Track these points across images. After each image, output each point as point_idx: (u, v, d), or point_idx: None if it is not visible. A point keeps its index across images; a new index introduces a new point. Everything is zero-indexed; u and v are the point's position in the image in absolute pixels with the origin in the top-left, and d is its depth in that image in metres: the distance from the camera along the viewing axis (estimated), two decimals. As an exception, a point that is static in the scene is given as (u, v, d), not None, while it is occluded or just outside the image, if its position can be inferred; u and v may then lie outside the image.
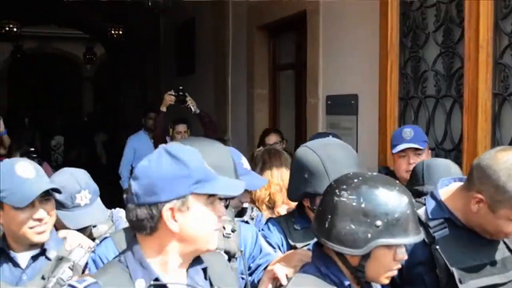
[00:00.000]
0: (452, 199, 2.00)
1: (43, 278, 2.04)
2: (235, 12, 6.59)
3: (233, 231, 2.11)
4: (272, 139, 4.65)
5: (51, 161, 11.29)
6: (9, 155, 5.11)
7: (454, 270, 1.88)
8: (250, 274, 2.14)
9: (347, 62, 4.46)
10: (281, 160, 3.27)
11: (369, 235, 1.63)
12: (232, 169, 2.04)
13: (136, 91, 11.55)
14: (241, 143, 6.04)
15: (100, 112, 17.34)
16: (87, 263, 2.06)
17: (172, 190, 1.47)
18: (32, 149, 5.28)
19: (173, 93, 4.86)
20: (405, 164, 3.15)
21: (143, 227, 1.50)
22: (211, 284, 1.63)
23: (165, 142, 4.43)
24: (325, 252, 1.75)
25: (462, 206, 1.95)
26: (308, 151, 2.22)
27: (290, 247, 2.23)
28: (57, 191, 2.12)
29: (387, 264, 1.69)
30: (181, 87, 4.92)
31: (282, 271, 1.89)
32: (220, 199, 1.70)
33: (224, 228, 2.08)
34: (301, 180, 2.21)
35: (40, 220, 2.05)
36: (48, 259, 2.10)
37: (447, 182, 2.09)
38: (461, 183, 2.01)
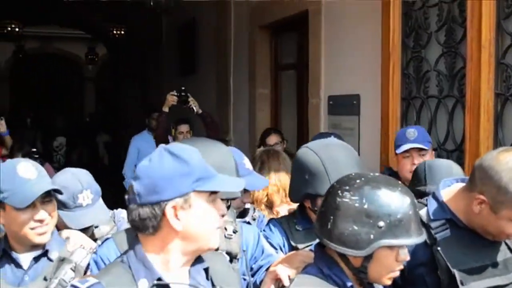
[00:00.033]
0: (454, 200, 1.99)
1: (45, 279, 2.04)
2: (237, 12, 6.59)
3: (234, 232, 2.10)
4: (273, 139, 4.65)
5: (53, 162, 11.29)
6: (11, 155, 5.11)
7: (455, 272, 1.88)
8: (252, 275, 2.13)
9: (349, 62, 4.45)
10: (279, 160, 3.28)
11: (372, 236, 1.63)
12: (234, 169, 2.05)
13: (137, 91, 11.57)
14: (243, 143, 6.04)
15: (102, 112, 17.37)
16: (88, 264, 2.06)
17: (174, 188, 1.47)
18: (34, 149, 5.28)
19: (175, 94, 4.87)
20: (409, 164, 3.14)
21: (145, 227, 1.50)
22: (213, 285, 1.63)
23: (167, 142, 4.43)
24: (327, 253, 1.75)
25: (464, 207, 1.95)
26: (309, 152, 2.22)
27: (292, 248, 2.23)
28: (59, 192, 2.12)
29: (389, 265, 1.69)
30: (183, 88, 4.92)
31: (284, 272, 1.89)
32: (222, 199, 1.70)
33: (225, 229, 2.08)
34: (302, 181, 2.21)
35: (41, 221, 2.05)
36: (50, 260, 2.10)
37: (449, 182, 2.08)
38: (463, 184, 2.01)
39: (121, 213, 2.72)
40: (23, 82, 18.54)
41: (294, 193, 2.33)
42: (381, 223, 1.63)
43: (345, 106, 4.48)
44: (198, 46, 7.99)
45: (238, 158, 2.22)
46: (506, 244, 1.99)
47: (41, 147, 11.23)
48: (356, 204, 1.65)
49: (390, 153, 3.78)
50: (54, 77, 19.18)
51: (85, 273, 2.05)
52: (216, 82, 7.19)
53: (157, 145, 1.80)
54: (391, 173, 3.26)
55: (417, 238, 1.68)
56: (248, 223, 2.34)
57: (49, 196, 2.08)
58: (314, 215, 2.15)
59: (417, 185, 2.59)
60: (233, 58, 6.73)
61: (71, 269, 2.07)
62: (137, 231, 1.54)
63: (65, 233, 2.28)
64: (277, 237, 2.28)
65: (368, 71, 4.15)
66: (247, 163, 2.37)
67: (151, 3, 7.11)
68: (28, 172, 2.03)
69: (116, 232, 2.23)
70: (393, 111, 3.86)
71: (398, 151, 3.22)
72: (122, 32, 12.07)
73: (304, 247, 2.19)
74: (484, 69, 3.16)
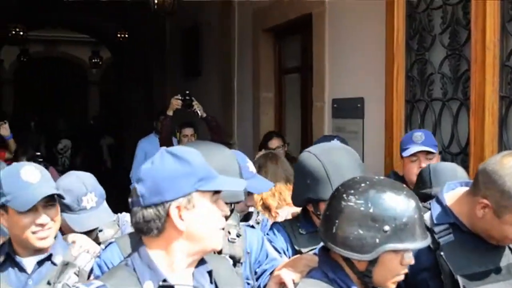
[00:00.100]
0: (457, 204, 1.98)
1: (48, 283, 2.04)
2: (241, 15, 6.59)
3: (238, 235, 2.10)
4: (274, 143, 4.66)
5: (58, 165, 11.32)
6: (15, 159, 5.12)
7: (458, 277, 1.87)
8: (256, 279, 2.12)
9: (353, 65, 4.44)
10: (277, 164, 3.27)
11: (377, 240, 1.62)
12: (237, 172, 2.04)
13: (141, 95, 11.57)
14: (246, 147, 6.03)
15: (105, 115, 17.39)
16: (92, 269, 2.06)
17: (177, 189, 1.48)
18: (38, 153, 5.29)
19: (180, 98, 4.90)
20: (415, 168, 3.10)
21: (150, 228, 1.51)
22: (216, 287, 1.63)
23: (172, 145, 4.43)
24: (332, 257, 1.74)
25: (468, 211, 1.94)
26: (311, 157, 2.21)
27: (295, 252, 2.22)
28: (61, 197, 2.12)
29: (394, 269, 1.68)
30: (187, 92, 4.96)
31: (288, 276, 1.88)
32: (226, 203, 1.70)
33: (229, 233, 2.07)
34: (303, 186, 2.20)
35: (42, 225, 2.05)
36: (54, 264, 2.09)
37: (453, 185, 2.07)
38: (467, 188, 2.00)
39: (125, 216, 2.72)
40: (27, 86, 18.60)
41: (296, 198, 2.32)
42: (387, 227, 1.62)
43: (349, 109, 4.47)
44: (202, 49, 8.01)
45: (241, 161, 2.21)
46: (510, 248, 1.98)
47: (45, 151, 11.26)
48: (362, 208, 1.65)
49: (394, 157, 3.77)
50: (58, 81, 19.22)
51: (88, 277, 2.05)
52: (220, 85, 7.20)
53: (161, 148, 1.80)
54: (396, 178, 3.23)
55: (422, 242, 1.67)
56: (252, 226, 2.33)
57: (52, 200, 2.08)
58: (317, 219, 2.14)
59: (421, 188, 2.58)
60: (237, 61, 6.73)
61: (75, 273, 2.07)
62: (141, 233, 1.54)
63: (71, 237, 2.28)
64: (281, 241, 2.27)
65: (372, 74, 4.14)
66: (250, 166, 2.37)
67: (155, 7, 7.12)
68: (31, 176, 2.03)
69: (120, 236, 2.22)
70: (398, 114, 3.85)
71: (405, 154, 3.19)
72: (126, 36, 12.10)
73: (307, 251, 2.18)
74: (489, 71, 3.15)
